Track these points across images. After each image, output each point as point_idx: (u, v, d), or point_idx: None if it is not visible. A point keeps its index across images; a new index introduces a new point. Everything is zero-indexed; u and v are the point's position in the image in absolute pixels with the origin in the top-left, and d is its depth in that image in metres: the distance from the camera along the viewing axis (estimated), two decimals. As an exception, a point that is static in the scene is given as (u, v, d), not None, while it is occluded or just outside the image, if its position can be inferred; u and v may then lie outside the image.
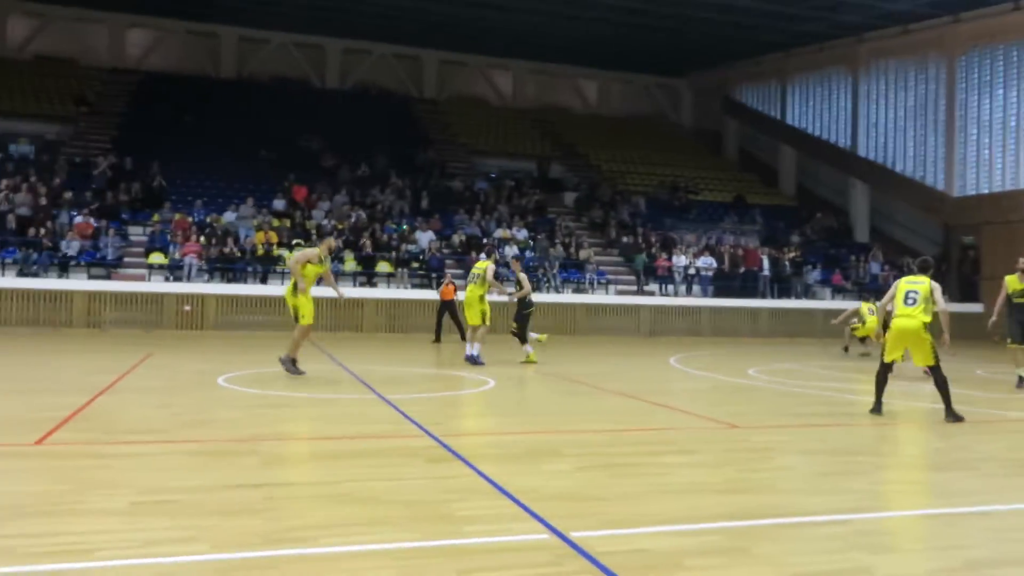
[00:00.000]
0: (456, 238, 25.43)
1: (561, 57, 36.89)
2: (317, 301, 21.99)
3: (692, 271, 26.34)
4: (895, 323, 8.81)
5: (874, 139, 32.48)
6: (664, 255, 26.71)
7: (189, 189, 25.86)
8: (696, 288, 26.13)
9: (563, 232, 27.50)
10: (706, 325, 25.20)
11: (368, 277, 23.15)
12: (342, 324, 21.60)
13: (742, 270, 26.93)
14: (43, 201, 22.71)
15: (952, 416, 8.53)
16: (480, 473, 5.83)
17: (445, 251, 24.84)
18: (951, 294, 29.10)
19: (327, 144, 29.55)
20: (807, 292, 27.30)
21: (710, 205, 32.50)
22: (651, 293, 25.60)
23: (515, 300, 14.61)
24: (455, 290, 19.24)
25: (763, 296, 26.56)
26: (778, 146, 37.03)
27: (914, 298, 8.73)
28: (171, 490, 5.20)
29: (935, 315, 8.76)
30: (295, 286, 11.33)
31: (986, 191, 28.39)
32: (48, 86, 30.38)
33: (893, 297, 9.04)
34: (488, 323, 13.87)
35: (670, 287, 25.94)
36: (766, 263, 27.23)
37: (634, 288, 25.58)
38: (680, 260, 26.50)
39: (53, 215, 22.32)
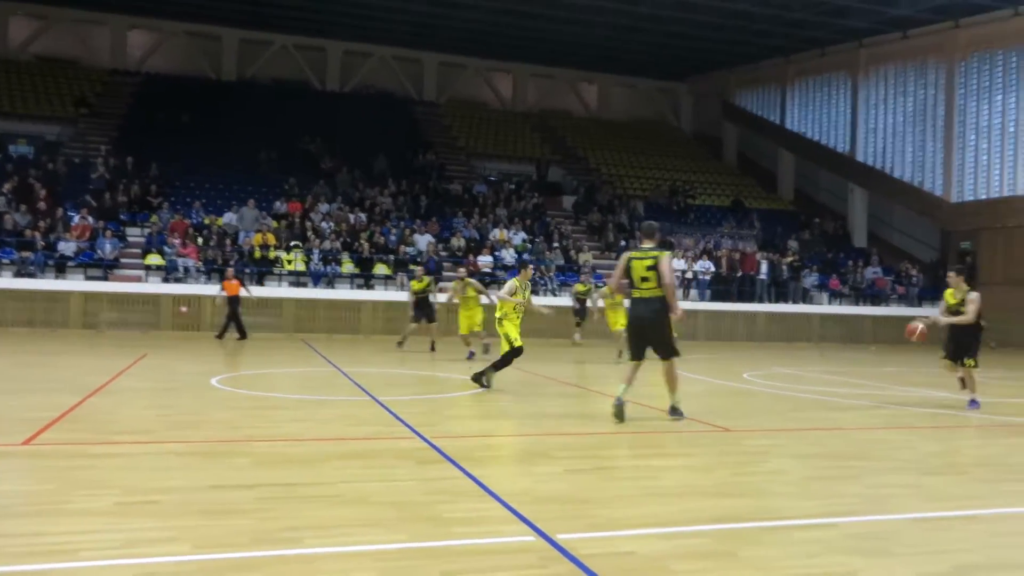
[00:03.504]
0: (454, 241, 25.42)
1: (562, 61, 36.93)
2: (309, 303, 22.04)
3: (689, 275, 26.32)
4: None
5: (873, 144, 32.51)
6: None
7: (188, 191, 25.88)
8: (693, 292, 26.10)
9: (561, 235, 27.49)
10: (703, 329, 25.19)
11: (365, 279, 23.14)
12: (338, 326, 21.58)
13: (739, 274, 26.93)
14: (41, 203, 22.70)
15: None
16: (469, 475, 5.81)
17: (443, 253, 24.84)
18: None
19: (327, 146, 29.58)
20: (804, 297, 27.29)
21: (708, 209, 32.52)
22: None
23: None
24: (240, 285, 19.21)
25: (760, 300, 26.56)
26: (777, 151, 37.05)
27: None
28: (156, 490, 5.18)
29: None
30: None
31: (984, 197, 28.41)
32: (48, 87, 30.43)
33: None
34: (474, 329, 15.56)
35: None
36: (764, 267, 27.22)
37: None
38: (678, 264, 26.49)
39: (51, 216, 22.31)
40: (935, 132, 29.99)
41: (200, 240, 22.78)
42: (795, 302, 26.87)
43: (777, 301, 26.75)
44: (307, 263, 22.69)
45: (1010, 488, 6.04)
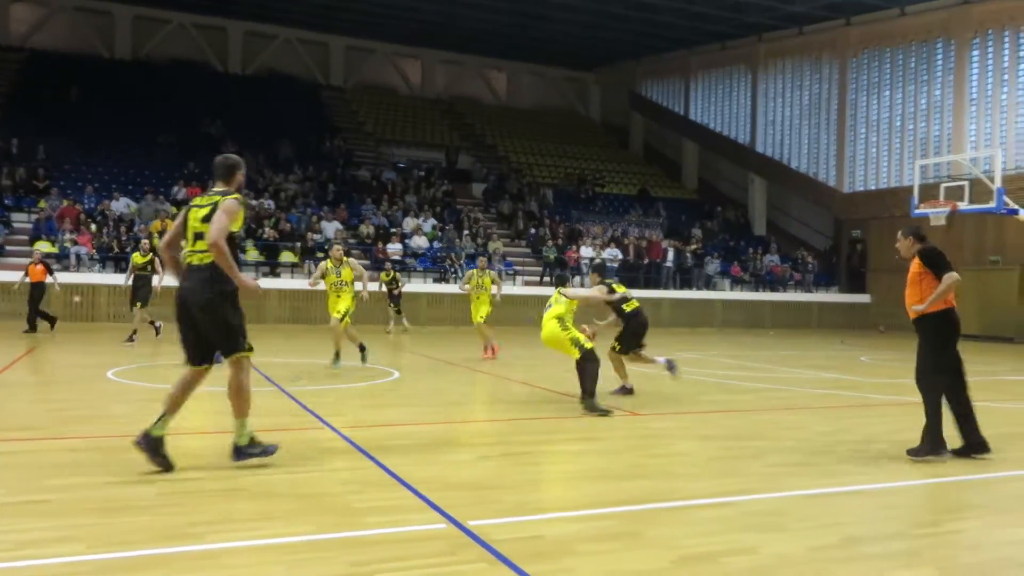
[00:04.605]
0: (363, 228, 25.08)
1: (471, 48, 36.81)
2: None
3: (598, 262, 26.73)
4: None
5: (771, 136, 33.71)
6: (572, 247, 27.04)
7: (79, 175, 24.64)
8: (602, 279, 26.52)
9: (471, 223, 27.49)
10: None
11: (271, 267, 22.59)
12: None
13: (646, 261, 27.54)
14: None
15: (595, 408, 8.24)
16: (380, 464, 5.77)
17: (352, 241, 24.47)
18: (840, 286, 30.55)
19: (229, 130, 28.66)
20: (708, 283, 28.12)
21: (616, 198, 33.09)
22: (558, 284, 25.84)
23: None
24: (46, 271, 17.37)
25: (666, 287, 27.23)
26: (681, 141, 37.98)
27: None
28: (48, 489, 4.94)
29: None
30: None
31: (873, 187, 29.87)
32: (-79, 62, 28.41)
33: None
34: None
35: (577, 278, 26.25)
36: (670, 255, 27.92)
37: (540, 279, 25.81)
38: (586, 251, 26.89)
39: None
40: (829, 125, 31.33)
41: (94, 227, 21.75)
42: (699, 288, 27.67)
43: (682, 288, 27.48)
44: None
45: (894, 464, 6.40)
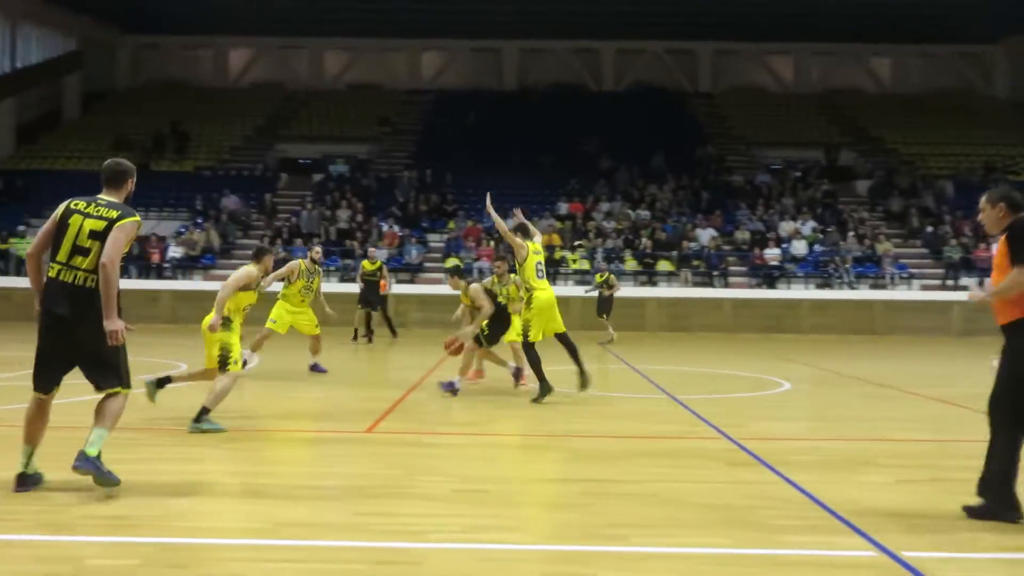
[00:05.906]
0: (738, 234, 24.60)
1: (848, 35, 34.25)
2: (595, 302, 22.44)
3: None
4: (540, 296, 8.79)
5: None
6: (982, 245, 23.77)
7: (479, 197, 27.53)
8: (1020, 282, 22.94)
9: (856, 223, 25.53)
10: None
11: (649, 276, 23.16)
12: (623, 323, 21.75)
13: (1082, 259, 23.19)
14: (359, 215, 25.42)
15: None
16: (788, 480, 5.55)
17: (726, 248, 24.14)
18: None
19: (604, 145, 30.00)
20: None
21: (1036, 186, 28.41)
22: (964, 288, 22.89)
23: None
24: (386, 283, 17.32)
25: (1110, 289, 22.66)
26: None
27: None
28: (487, 480, 5.53)
29: None
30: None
31: None
32: (358, 111, 34.02)
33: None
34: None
35: (987, 281, 23.02)
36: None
37: (941, 283, 23.09)
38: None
39: (366, 226, 24.91)
40: None
41: (492, 243, 24.18)
42: None
43: None
44: (591, 262, 23.17)
45: None
